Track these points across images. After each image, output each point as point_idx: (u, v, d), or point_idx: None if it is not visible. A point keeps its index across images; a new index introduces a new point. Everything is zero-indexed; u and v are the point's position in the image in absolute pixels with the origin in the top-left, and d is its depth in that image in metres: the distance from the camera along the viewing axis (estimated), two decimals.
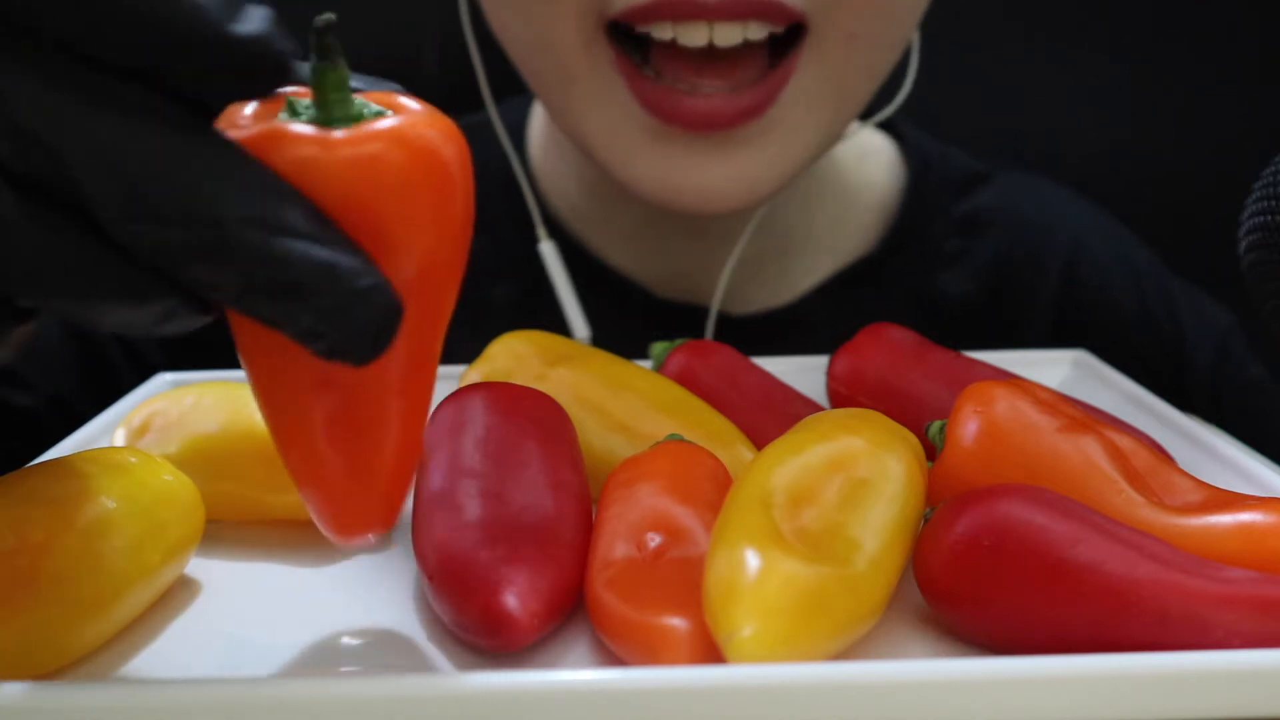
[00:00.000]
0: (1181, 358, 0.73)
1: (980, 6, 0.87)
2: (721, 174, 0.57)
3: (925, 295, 0.71)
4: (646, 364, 0.52)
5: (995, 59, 0.89)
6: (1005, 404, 0.40)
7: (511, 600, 0.34)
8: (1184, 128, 0.89)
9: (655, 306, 0.69)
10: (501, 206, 0.70)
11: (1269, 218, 0.45)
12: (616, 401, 0.46)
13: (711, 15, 0.54)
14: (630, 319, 0.68)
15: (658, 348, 0.53)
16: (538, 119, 0.73)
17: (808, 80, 0.57)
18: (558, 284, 0.65)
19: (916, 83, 0.65)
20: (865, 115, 0.68)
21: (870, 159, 0.73)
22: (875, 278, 0.70)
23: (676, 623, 0.33)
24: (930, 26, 0.63)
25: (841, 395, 0.50)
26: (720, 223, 0.67)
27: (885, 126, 0.75)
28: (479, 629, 0.34)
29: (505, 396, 0.42)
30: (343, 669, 0.35)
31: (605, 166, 0.60)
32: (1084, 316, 0.72)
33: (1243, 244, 0.47)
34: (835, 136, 0.60)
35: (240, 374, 0.56)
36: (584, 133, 0.60)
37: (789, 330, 0.68)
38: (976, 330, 0.70)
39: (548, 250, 0.66)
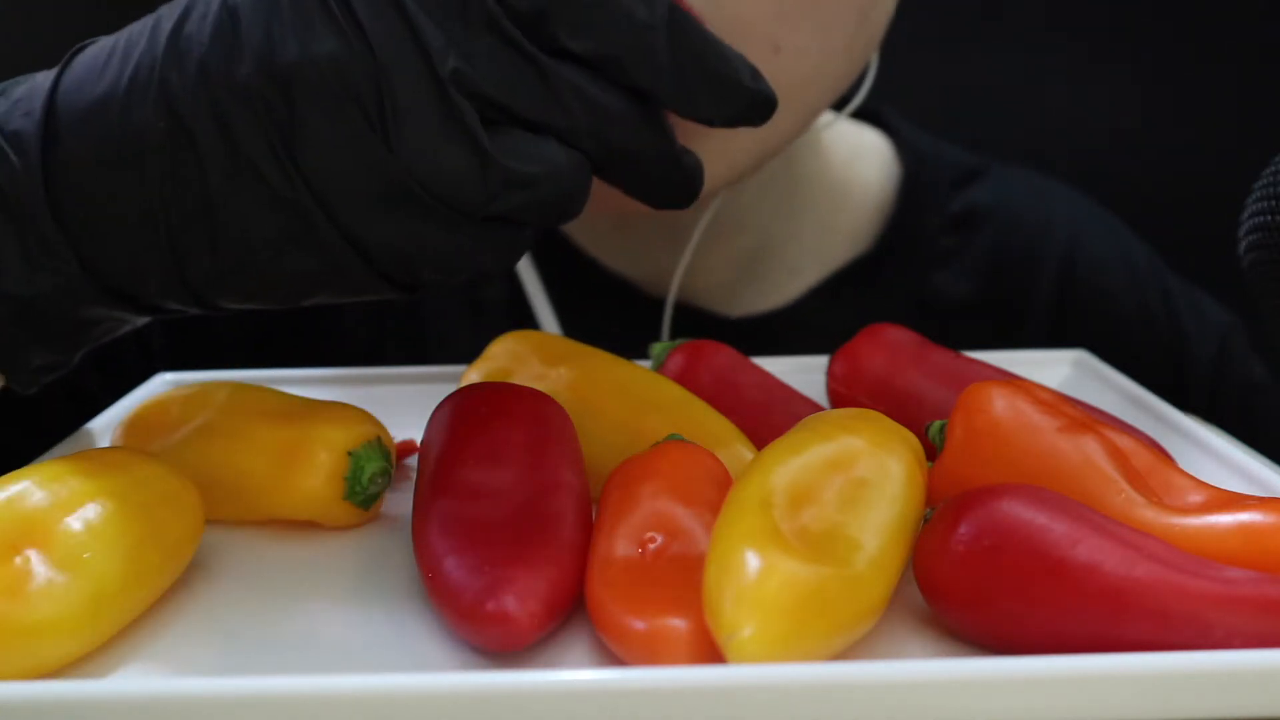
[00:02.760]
0: (1180, 356, 0.73)
1: (997, 12, 0.87)
2: None
3: (922, 294, 0.70)
4: (646, 364, 0.52)
5: (991, 55, 0.89)
6: (1005, 404, 0.40)
7: (511, 600, 0.34)
8: (1184, 126, 0.89)
9: (645, 306, 0.68)
10: None
11: (1269, 218, 0.45)
12: (616, 401, 0.46)
13: None
14: (617, 316, 0.67)
15: (658, 348, 0.53)
16: None
17: None
18: (528, 286, 0.65)
19: (911, 80, 0.64)
20: (840, 106, 0.67)
21: (862, 158, 0.73)
22: (871, 278, 0.70)
23: (676, 623, 0.33)
24: (928, 24, 0.62)
25: (841, 395, 0.50)
26: (693, 219, 0.66)
27: (877, 122, 0.75)
28: (479, 629, 0.34)
29: (505, 396, 0.42)
30: (343, 669, 0.35)
31: None
32: (1082, 314, 0.72)
33: (1243, 244, 0.47)
34: (779, 145, 0.58)
35: (240, 374, 0.57)
36: None
37: (785, 332, 0.68)
38: (974, 329, 0.70)
39: None
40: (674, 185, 0.41)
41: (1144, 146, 0.89)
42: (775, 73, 0.55)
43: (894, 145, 0.74)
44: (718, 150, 0.56)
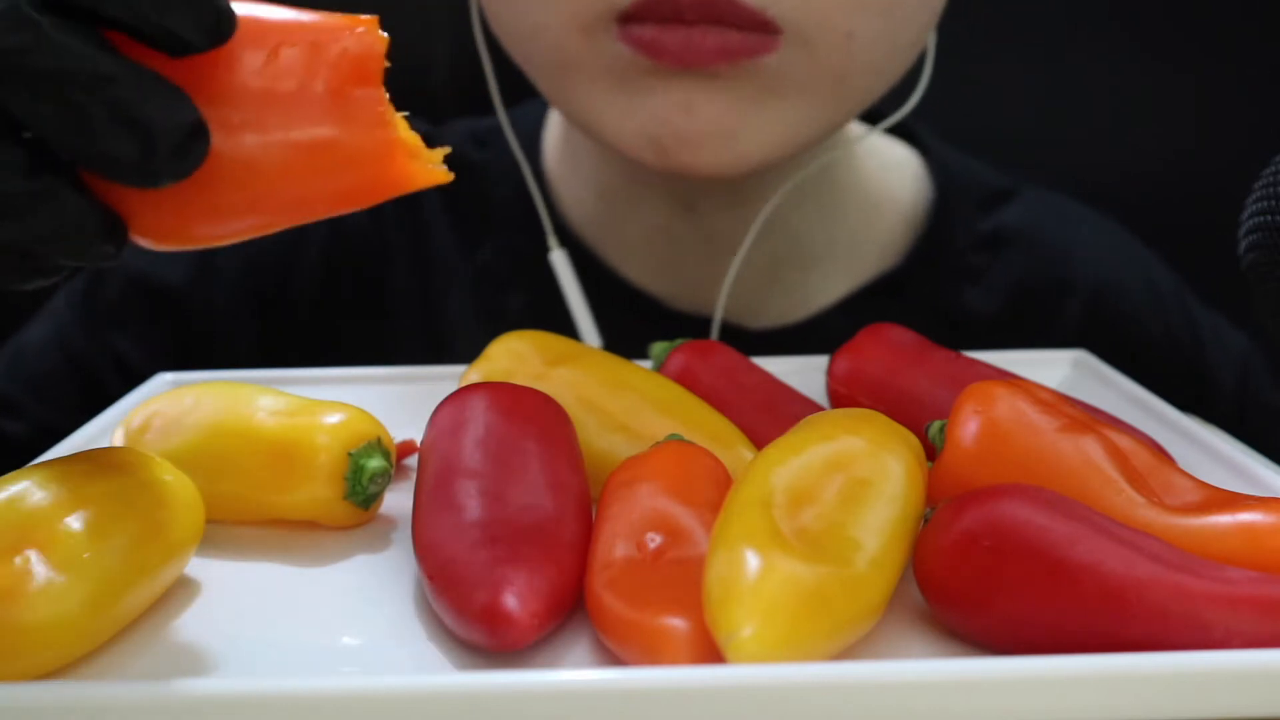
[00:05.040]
0: (1204, 382, 0.73)
1: (999, 14, 0.87)
2: (711, 116, 0.55)
3: (948, 312, 0.70)
4: (646, 364, 0.52)
5: (1014, 66, 0.89)
6: (1005, 404, 0.40)
7: (511, 600, 0.34)
8: (1203, 134, 0.89)
9: (667, 317, 0.68)
10: (514, 213, 0.70)
11: (1269, 218, 0.45)
12: (616, 401, 0.46)
13: (690, 15, 0.53)
14: (642, 329, 0.67)
15: (658, 348, 0.53)
16: (553, 124, 0.72)
17: (795, 66, 0.55)
18: (568, 294, 0.65)
19: (939, 90, 0.64)
20: (877, 120, 0.67)
21: (893, 171, 0.73)
22: (898, 293, 0.70)
23: (676, 623, 0.33)
24: (951, 33, 0.62)
25: (841, 395, 0.50)
26: (732, 230, 0.66)
27: (908, 137, 0.75)
28: (479, 629, 0.34)
29: (505, 396, 0.42)
30: (343, 669, 0.35)
31: (600, 137, 0.59)
32: (1108, 340, 0.71)
33: (1243, 244, 0.47)
34: (833, 126, 0.59)
35: (240, 374, 0.57)
36: (584, 111, 0.58)
37: (809, 345, 0.68)
38: (999, 349, 0.70)
39: (559, 259, 0.65)
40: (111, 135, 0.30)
41: (1159, 151, 0.89)
42: (846, 58, 0.56)
43: (924, 161, 0.74)
44: (774, 120, 0.57)
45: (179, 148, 0.30)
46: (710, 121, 0.56)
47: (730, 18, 0.53)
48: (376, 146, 0.32)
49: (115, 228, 0.32)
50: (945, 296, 0.71)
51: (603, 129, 0.58)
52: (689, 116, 0.55)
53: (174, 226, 0.33)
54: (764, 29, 0.54)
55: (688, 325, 0.67)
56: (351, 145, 0.32)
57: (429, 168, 0.33)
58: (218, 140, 0.31)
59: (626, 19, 0.54)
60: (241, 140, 0.31)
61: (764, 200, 0.64)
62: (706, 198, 0.66)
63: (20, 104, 0.30)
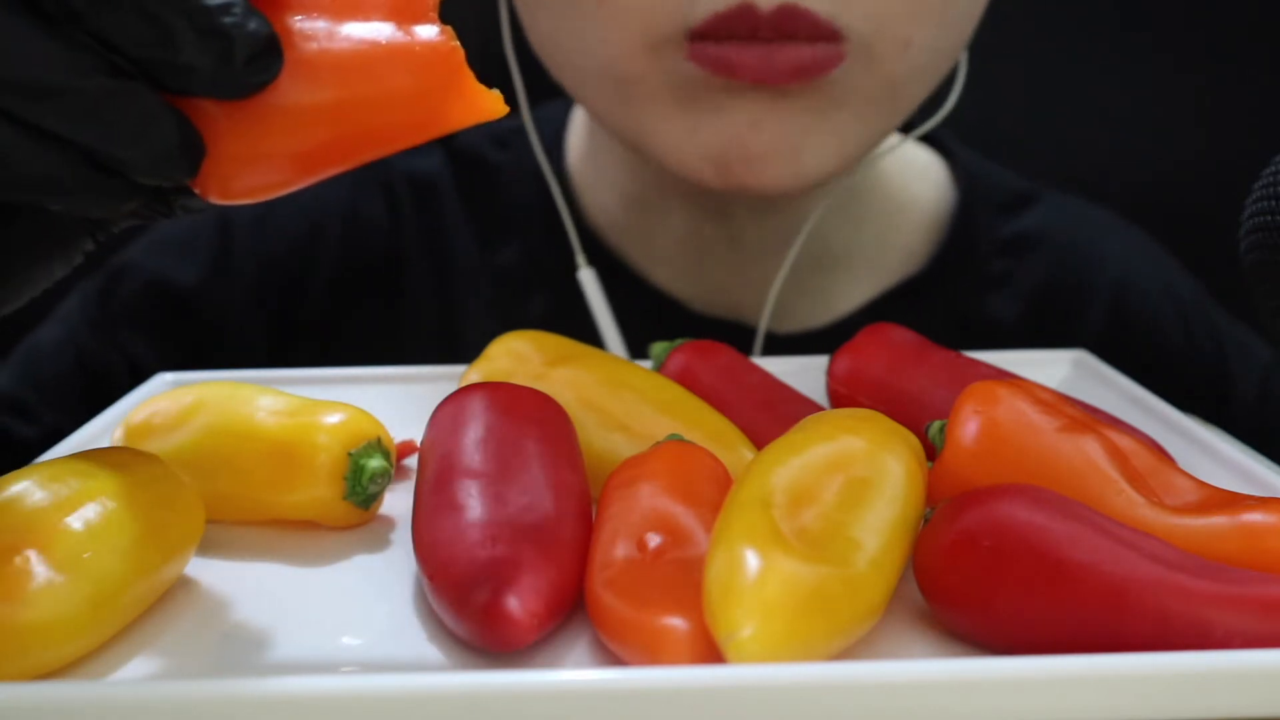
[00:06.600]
0: (1226, 390, 0.73)
1: (1020, 21, 0.87)
2: (777, 133, 0.55)
3: (970, 317, 0.70)
4: (647, 364, 0.52)
5: (1015, 68, 0.89)
6: (1005, 404, 0.40)
7: (511, 600, 0.34)
8: (1204, 134, 0.89)
9: (695, 322, 0.68)
10: (536, 216, 0.69)
11: (1269, 218, 0.45)
12: (616, 401, 0.46)
13: (766, 32, 0.53)
14: (668, 334, 0.67)
15: (658, 348, 0.53)
16: (577, 126, 0.72)
17: (857, 77, 0.56)
18: (597, 314, 0.64)
19: (960, 96, 0.64)
20: (907, 129, 0.67)
21: (917, 176, 0.73)
22: (921, 297, 0.70)
23: (676, 623, 0.33)
24: (974, 39, 0.62)
25: (841, 395, 0.50)
26: (761, 235, 0.66)
27: (931, 142, 0.74)
28: (479, 629, 0.34)
29: (505, 396, 0.42)
30: (343, 669, 0.35)
31: (656, 155, 0.58)
32: (1130, 346, 0.71)
33: (1243, 244, 0.47)
34: (882, 136, 0.60)
35: (240, 374, 0.57)
36: (641, 129, 0.58)
37: (833, 349, 0.68)
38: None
39: (587, 278, 0.65)
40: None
41: (1172, 169, 0.89)
42: (902, 66, 0.56)
43: (948, 166, 0.73)
44: (834, 135, 0.57)
45: (255, 59, 0.32)
46: (777, 139, 0.55)
47: (804, 31, 0.53)
48: (445, 56, 0.33)
49: (193, 142, 0.33)
50: (968, 301, 0.70)
51: (659, 146, 0.58)
52: (757, 134, 0.55)
53: (246, 151, 0.33)
54: (832, 40, 0.54)
55: (714, 329, 0.67)
56: (421, 55, 0.33)
57: (493, 95, 0.34)
58: (290, 54, 0.33)
59: (697, 36, 0.54)
60: (313, 51, 0.32)
61: (793, 205, 0.64)
62: (739, 204, 0.65)
63: (103, 17, 0.31)
